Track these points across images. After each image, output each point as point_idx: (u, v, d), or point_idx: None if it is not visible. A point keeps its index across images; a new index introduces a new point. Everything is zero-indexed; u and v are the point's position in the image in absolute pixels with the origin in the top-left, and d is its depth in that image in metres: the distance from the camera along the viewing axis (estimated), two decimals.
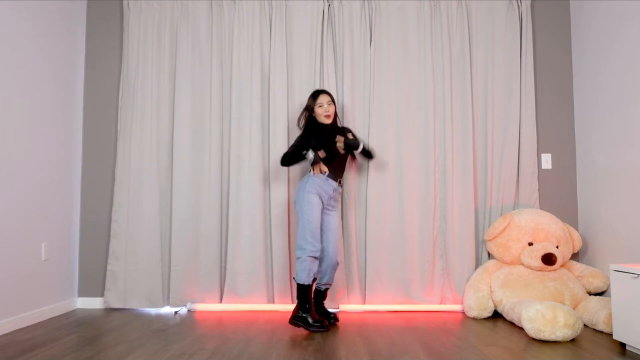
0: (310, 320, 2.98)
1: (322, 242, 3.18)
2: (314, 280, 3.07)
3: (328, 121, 3.27)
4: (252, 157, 3.66)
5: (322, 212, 3.21)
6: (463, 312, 3.50)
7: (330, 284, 3.28)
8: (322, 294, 3.24)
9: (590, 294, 3.37)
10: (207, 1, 3.79)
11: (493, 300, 3.34)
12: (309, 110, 3.30)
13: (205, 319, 3.32)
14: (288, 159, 3.24)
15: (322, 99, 3.27)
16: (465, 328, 3.08)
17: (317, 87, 3.67)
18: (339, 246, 3.29)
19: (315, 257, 3.05)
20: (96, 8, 3.87)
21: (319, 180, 3.16)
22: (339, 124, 3.42)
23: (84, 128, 3.80)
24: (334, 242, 3.22)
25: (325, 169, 3.17)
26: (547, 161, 3.79)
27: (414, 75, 3.73)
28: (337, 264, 3.25)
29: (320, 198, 3.16)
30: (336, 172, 3.24)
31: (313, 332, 2.96)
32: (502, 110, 3.75)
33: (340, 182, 3.27)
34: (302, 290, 3.03)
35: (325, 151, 3.19)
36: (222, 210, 3.67)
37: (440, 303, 3.61)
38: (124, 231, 3.65)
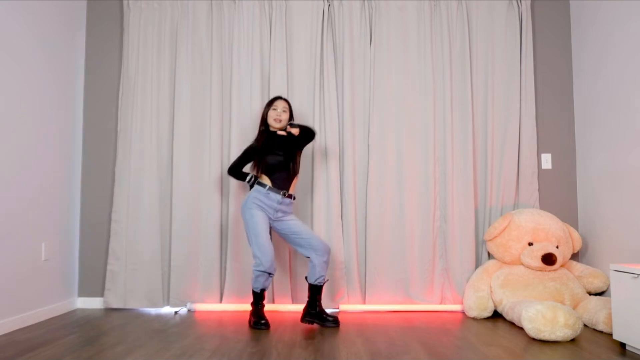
0: (254, 319, 3.11)
1: (302, 246, 3.18)
2: (263, 290, 3.15)
3: (277, 125, 3.25)
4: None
5: (279, 224, 3.20)
6: (463, 312, 3.50)
7: (324, 276, 3.16)
8: (317, 289, 3.16)
9: (590, 294, 3.37)
10: (207, 1, 3.79)
11: (493, 300, 3.34)
12: (263, 116, 3.31)
13: (205, 319, 3.32)
14: (233, 172, 3.34)
15: (278, 104, 3.28)
16: (465, 328, 3.08)
17: (317, 87, 3.68)
18: (318, 236, 3.20)
19: (262, 272, 3.07)
20: (96, 8, 3.87)
21: (258, 195, 3.17)
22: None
23: (84, 128, 3.81)
24: (312, 236, 3.17)
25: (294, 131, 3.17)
26: (547, 161, 3.79)
27: (414, 75, 3.73)
28: (328, 251, 3.16)
29: (264, 212, 3.15)
30: (280, 184, 3.18)
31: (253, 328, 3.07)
32: (502, 110, 3.75)
33: (286, 194, 3.18)
34: (253, 294, 3.18)
35: (281, 159, 3.18)
36: (222, 209, 3.67)
37: (440, 303, 3.61)
38: (124, 231, 3.65)
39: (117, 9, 3.87)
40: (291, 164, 3.22)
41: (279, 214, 3.20)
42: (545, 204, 3.74)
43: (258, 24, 3.75)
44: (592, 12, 3.58)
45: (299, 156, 3.29)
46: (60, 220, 3.52)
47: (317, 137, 3.66)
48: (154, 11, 3.80)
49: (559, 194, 3.77)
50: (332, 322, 3.11)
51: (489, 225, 3.66)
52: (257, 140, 3.30)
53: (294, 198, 3.27)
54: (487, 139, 3.73)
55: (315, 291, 3.16)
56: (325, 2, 3.76)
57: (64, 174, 3.59)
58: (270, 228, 3.23)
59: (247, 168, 3.39)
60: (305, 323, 3.16)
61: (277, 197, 3.16)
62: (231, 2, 3.79)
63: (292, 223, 3.22)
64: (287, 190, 3.21)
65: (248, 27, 3.75)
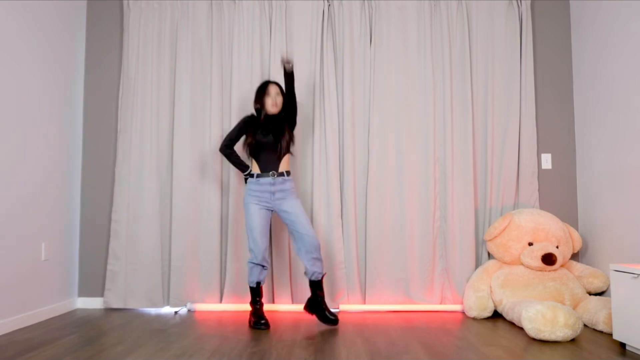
0: (254, 319, 3.13)
1: (295, 238, 3.17)
2: (259, 283, 3.18)
3: (275, 110, 3.24)
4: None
5: (280, 210, 3.18)
6: (463, 312, 3.50)
7: (319, 272, 3.13)
8: (315, 284, 3.15)
9: (590, 294, 3.37)
10: (207, 1, 3.79)
11: (493, 300, 3.34)
12: (257, 101, 3.28)
13: (205, 319, 3.32)
14: (228, 148, 3.29)
15: (270, 89, 3.26)
16: (465, 328, 3.08)
17: (317, 87, 3.68)
18: (311, 230, 3.15)
19: (256, 264, 3.13)
20: (96, 8, 3.87)
21: (251, 186, 3.19)
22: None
23: (84, 128, 3.81)
24: (305, 231, 3.11)
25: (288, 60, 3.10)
26: (547, 161, 3.79)
27: (414, 75, 3.73)
28: (316, 247, 3.12)
29: (260, 202, 3.15)
30: (267, 166, 3.18)
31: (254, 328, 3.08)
32: (502, 110, 3.75)
33: (275, 174, 3.16)
34: (250, 291, 3.21)
35: (262, 139, 3.18)
36: (222, 209, 3.67)
37: (440, 303, 3.61)
38: (124, 231, 3.65)
39: (117, 9, 3.87)
40: (279, 144, 3.19)
41: (278, 196, 3.17)
42: (545, 204, 3.74)
43: (258, 24, 3.75)
44: (592, 12, 3.58)
45: (289, 134, 3.25)
46: (60, 220, 3.52)
47: (317, 136, 3.66)
48: (154, 11, 3.80)
49: (559, 194, 3.77)
50: (331, 322, 3.11)
51: (489, 225, 3.66)
52: (256, 116, 3.30)
53: (288, 175, 3.23)
54: (487, 139, 3.73)
55: (314, 286, 3.17)
56: (325, 2, 3.76)
57: (64, 173, 3.59)
58: (272, 220, 3.23)
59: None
60: (306, 312, 3.22)
61: (267, 179, 3.16)
62: (231, 2, 3.79)
63: (290, 211, 3.16)
64: (276, 170, 3.19)
65: (248, 27, 3.75)
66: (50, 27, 3.43)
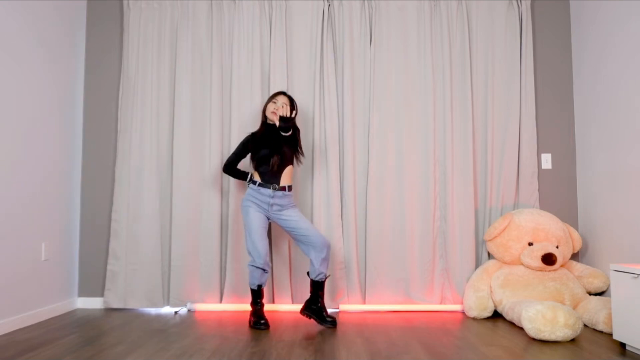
0: (253, 319, 3.13)
1: (301, 242, 3.18)
2: (260, 286, 3.16)
3: (274, 118, 3.22)
4: None
5: (278, 219, 3.19)
6: (463, 312, 3.51)
7: (324, 273, 3.14)
8: (318, 285, 3.14)
9: (590, 294, 3.37)
10: (207, 1, 3.79)
11: (493, 300, 3.34)
12: (264, 111, 3.32)
13: (205, 319, 3.32)
14: (229, 170, 3.36)
15: (279, 98, 3.27)
16: (465, 328, 3.09)
17: (317, 87, 3.68)
18: (317, 231, 3.19)
19: (256, 267, 3.12)
20: (96, 8, 3.87)
21: (251, 192, 3.20)
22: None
23: (84, 128, 3.81)
24: (310, 233, 3.13)
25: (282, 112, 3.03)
26: (547, 161, 3.79)
27: (414, 75, 3.73)
28: (327, 246, 3.13)
29: (259, 208, 3.16)
30: (269, 178, 3.17)
31: (254, 328, 3.08)
32: (502, 110, 3.75)
33: (276, 187, 3.16)
34: (251, 292, 3.20)
35: (267, 151, 3.16)
36: (222, 209, 3.67)
37: (440, 303, 3.61)
38: (124, 231, 3.65)
39: (117, 9, 3.87)
40: (279, 157, 3.18)
41: (275, 208, 3.18)
42: (545, 204, 3.74)
43: (258, 24, 3.75)
44: (592, 12, 3.58)
45: (290, 150, 3.24)
46: (60, 220, 3.52)
47: (317, 137, 3.66)
48: (154, 11, 3.80)
49: (559, 194, 3.77)
50: (329, 323, 3.09)
51: (489, 225, 3.66)
52: (257, 131, 3.31)
53: (289, 189, 3.23)
54: (487, 139, 3.73)
55: (316, 287, 3.15)
56: (325, 2, 3.76)
57: (64, 173, 3.59)
58: (271, 224, 3.22)
59: (244, 166, 3.39)
60: (304, 316, 3.18)
61: (267, 191, 3.16)
62: (231, 2, 3.79)
63: (289, 219, 3.18)
64: (278, 183, 3.19)
65: (248, 27, 3.75)
66: (50, 27, 3.43)
